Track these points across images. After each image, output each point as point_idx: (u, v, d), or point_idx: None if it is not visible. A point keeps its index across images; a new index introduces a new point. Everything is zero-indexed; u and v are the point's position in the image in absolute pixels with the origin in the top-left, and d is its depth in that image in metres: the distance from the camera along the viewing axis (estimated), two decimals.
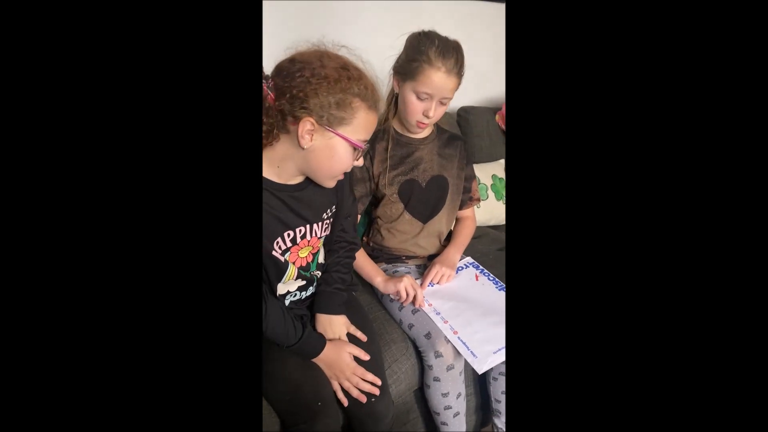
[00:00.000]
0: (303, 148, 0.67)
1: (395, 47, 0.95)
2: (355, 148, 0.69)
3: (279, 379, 0.75)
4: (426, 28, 0.95)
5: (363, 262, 1.01)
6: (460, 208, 1.12)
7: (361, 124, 0.68)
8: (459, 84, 0.93)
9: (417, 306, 0.94)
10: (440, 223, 1.07)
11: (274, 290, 0.79)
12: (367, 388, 0.77)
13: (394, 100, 1.01)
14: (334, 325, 0.83)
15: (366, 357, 0.79)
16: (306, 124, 0.65)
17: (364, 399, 0.77)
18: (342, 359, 0.77)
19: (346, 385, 0.77)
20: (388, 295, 1.01)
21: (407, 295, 0.93)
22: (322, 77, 0.63)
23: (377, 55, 1.41)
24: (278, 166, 0.72)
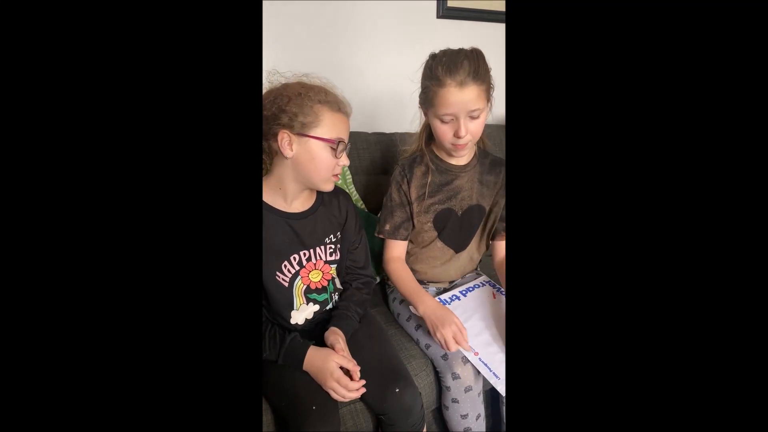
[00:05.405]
0: (288, 158, 0.77)
1: (415, 80, 0.92)
2: (331, 146, 0.77)
3: (276, 384, 0.78)
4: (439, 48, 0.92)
5: (410, 288, 0.96)
6: (494, 238, 1.05)
7: (328, 124, 0.77)
8: (485, 89, 0.84)
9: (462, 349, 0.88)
10: (471, 249, 1.06)
11: (287, 319, 0.85)
12: (351, 396, 0.76)
13: (427, 129, 0.97)
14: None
15: (355, 368, 0.78)
16: (283, 136, 0.76)
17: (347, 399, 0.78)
18: (327, 367, 0.77)
19: (331, 392, 0.77)
20: (406, 314, 1.00)
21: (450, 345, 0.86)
22: (285, 96, 0.76)
23: (388, 74, 1.44)
24: (280, 188, 0.82)
